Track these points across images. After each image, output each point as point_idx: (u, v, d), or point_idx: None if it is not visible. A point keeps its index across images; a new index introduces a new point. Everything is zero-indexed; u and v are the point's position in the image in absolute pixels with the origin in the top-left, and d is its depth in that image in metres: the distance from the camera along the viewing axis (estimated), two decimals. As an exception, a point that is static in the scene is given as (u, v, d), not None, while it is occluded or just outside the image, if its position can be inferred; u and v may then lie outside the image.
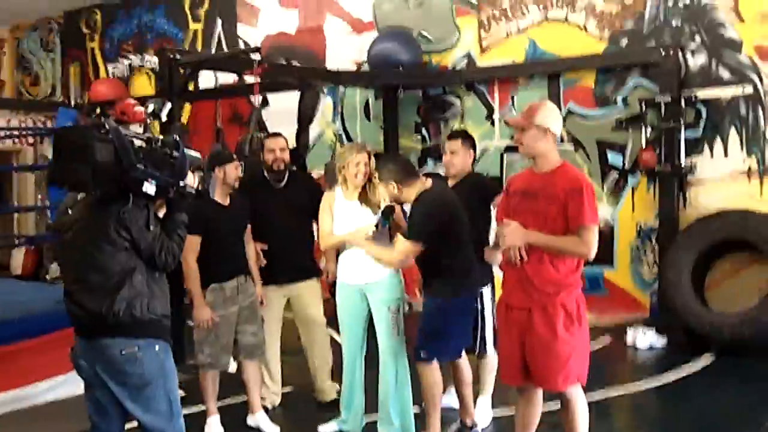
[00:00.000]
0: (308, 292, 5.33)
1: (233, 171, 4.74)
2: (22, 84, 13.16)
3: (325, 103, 9.80)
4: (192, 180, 3.46)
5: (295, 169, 5.82)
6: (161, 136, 3.46)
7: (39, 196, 10.79)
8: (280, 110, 8.80)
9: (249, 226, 5.02)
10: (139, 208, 3.25)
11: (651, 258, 7.50)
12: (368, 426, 4.81)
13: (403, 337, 4.63)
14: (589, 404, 3.95)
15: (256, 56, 6.38)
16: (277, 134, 5.48)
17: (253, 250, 5.07)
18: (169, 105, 3.66)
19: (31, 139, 11.86)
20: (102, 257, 3.21)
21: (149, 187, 3.20)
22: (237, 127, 10.34)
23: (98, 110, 6.83)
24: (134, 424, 3.42)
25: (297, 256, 5.23)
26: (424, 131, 9.05)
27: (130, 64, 11.81)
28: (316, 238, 5.35)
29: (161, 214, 3.43)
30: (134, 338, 3.24)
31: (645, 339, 6.83)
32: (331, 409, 5.16)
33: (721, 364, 6.29)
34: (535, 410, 4.00)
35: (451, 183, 4.86)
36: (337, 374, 5.46)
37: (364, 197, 4.74)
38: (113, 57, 11.99)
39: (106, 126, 3.16)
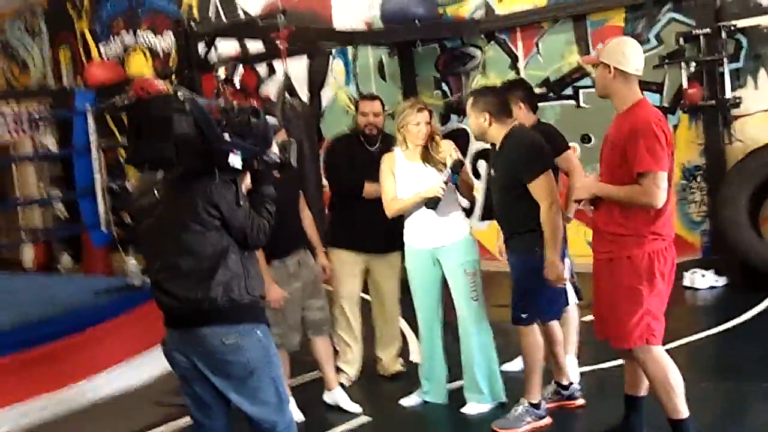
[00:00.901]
0: (388, 265, 5.03)
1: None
2: (10, 72, 12.69)
3: (336, 66, 9.44)
4: (276, 149, 3.17)
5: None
6: (236, 103, 3.16)
7: (41, 186, 10.41)
8: (287, 77, 8.46)
9: (302, 194, 4.73)
10: (226, 183, 2.97)
11: (698, 197, 7.26)
12: (452, 394, 4.57)
13: (483, 300, 4.39)
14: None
15: (281, 19, 6.00)
16: (373, 96, 5.22)
17: (309, 218, 4.78)
18: (241, 69, 3.37)
19: (27, 129, 11.40)
20: (192, 239, 2.92)
21: (235, 160, 2.92)
22: (242, 98, 10.00)
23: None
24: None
25: (383, 225, 4.71)
26: (444, 86, 8.72)
27: (123, 43, 11.36)
28: None
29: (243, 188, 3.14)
30: (235, 324, 2.96)
31: (704, 280, 6.61)
32: (403, 382, 4.94)
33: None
34: (636, 366, 3.75)
35: None
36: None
37: (427, 156, 4.44)
38: (105, 37, 11.53)
39: (181, 96, 2.86)
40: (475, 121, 4.16)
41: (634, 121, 3.50)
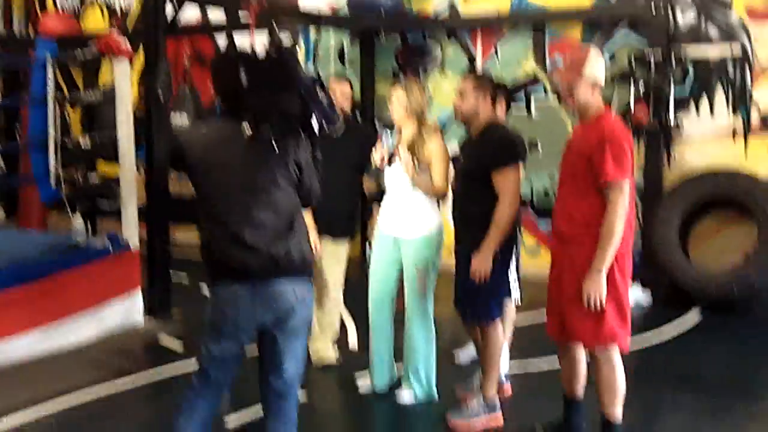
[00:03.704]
0: (330, 253, 5.05)
1: None
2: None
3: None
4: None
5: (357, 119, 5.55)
6: None
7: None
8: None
9: None
10: (306, 143, 3.14)
11: (633, 214, 7.54)
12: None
13: (431, 297, 4.49)
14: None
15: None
16: (344, 79, 5.25)
17: None
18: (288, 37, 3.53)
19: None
20: (278, 195, 3.04)
21: (315, 123, 3.07)
22: (200, 67, 9.94)
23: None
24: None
25: (332, 212, 4.85)
26: (402, 78, 8.84)
27: (81, -3, 11.15)
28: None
29: None
30: (305, 280, 3.13)
31: (630, 295, 6.85)
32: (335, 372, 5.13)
33: (709, 320, 6.41)
34: (573, 366, 3.96)
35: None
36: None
37: (412, 147, 4.39)
38: (62, -12, 11.30)
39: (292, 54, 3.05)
40: (471, 101, 4.12)
41: (601, 130, 3.59)
